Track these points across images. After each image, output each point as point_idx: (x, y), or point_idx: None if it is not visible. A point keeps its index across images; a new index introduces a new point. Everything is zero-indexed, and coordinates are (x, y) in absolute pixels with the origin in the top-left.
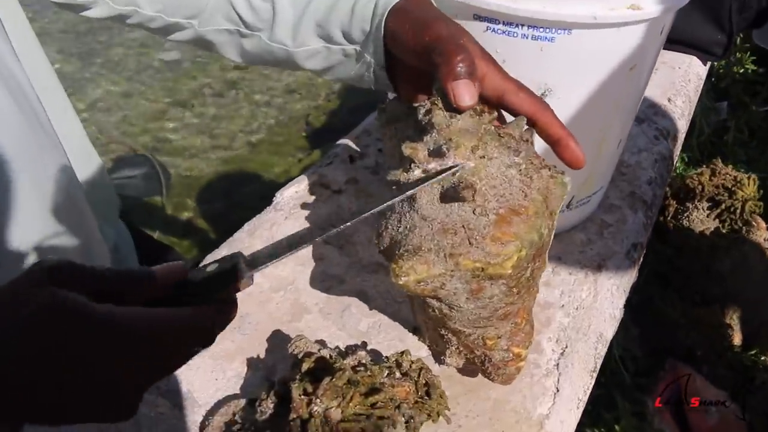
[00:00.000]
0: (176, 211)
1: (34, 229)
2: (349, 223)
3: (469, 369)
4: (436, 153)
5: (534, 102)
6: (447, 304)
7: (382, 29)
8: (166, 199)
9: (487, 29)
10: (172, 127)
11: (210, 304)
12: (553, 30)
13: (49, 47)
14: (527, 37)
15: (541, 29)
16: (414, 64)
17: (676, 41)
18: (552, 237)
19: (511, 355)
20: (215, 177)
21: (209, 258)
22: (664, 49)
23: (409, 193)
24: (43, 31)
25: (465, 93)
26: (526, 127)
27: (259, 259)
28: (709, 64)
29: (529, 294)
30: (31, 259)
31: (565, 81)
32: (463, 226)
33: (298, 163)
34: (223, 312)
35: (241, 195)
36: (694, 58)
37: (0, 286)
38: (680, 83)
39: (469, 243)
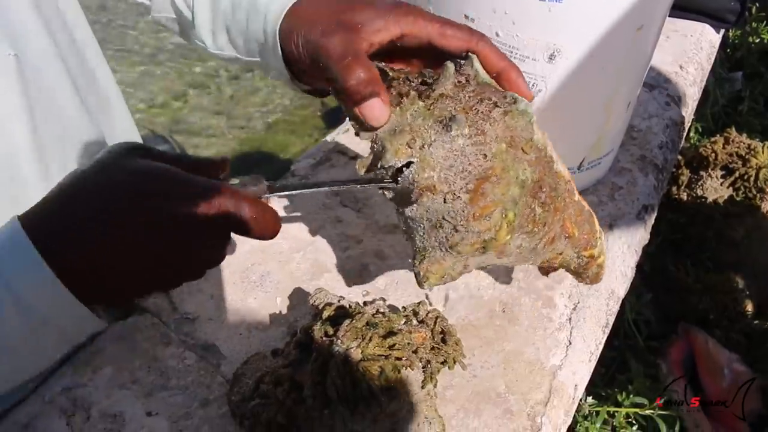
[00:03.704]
0: None
1: None
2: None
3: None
4: (379, 168)
5: (464, 37)
6: (487, 264)
7: (279, 51)
8: None
9: None
10: (189, 108)
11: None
12: None
13: None
14: None
15: None
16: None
17: (688, 9)
18: (548, 152)
19: (585, 258)
20: (233, 157)
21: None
22: (675, 17)
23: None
24: None
25: (373, 113)
26: (456, 66)
27: (276, 187)
28: (722, 32)
29: (560, 210)
30: None
31: (573, 41)
32: (443, 217)
33: (315, 143)
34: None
35: (258, 174)
36: (707, 26)
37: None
38: (692, 51)
39: (456, 230)
